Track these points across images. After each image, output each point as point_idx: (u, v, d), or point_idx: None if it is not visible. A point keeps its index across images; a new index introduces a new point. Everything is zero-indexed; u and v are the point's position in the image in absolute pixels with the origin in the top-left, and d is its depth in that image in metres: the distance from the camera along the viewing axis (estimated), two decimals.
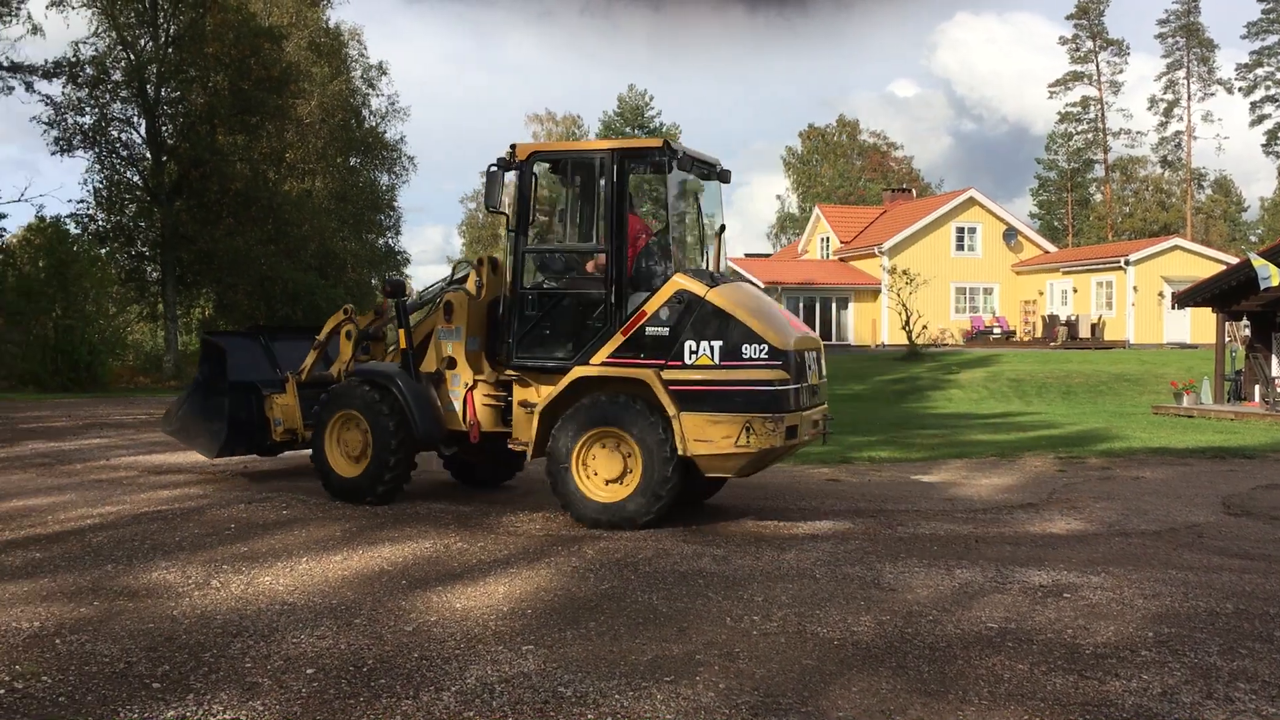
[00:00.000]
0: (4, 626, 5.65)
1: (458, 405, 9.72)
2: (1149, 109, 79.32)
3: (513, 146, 9.65)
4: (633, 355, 8.76)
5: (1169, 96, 77.55)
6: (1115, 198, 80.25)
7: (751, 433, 8.41)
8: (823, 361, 9.47)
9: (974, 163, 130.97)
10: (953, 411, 23.87)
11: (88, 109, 38.14)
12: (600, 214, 9.37)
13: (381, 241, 58.80)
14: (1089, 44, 79.25)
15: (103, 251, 38.18)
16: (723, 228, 9.64)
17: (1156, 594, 6.72)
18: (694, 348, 8.63)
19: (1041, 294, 47.14)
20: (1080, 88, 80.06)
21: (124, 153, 39.54)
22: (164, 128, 39.29)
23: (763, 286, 46.57)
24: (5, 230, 36.76)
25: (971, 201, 48.68)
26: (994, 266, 48.35)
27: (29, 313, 32.58)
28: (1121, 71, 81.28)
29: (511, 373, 9.41)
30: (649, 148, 9.35)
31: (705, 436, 8.49)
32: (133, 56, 38.30)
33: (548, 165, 9.87)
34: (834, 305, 48.53)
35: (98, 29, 38.25)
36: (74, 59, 37.06)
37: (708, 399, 8.54)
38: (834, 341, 47.76)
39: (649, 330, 8.75)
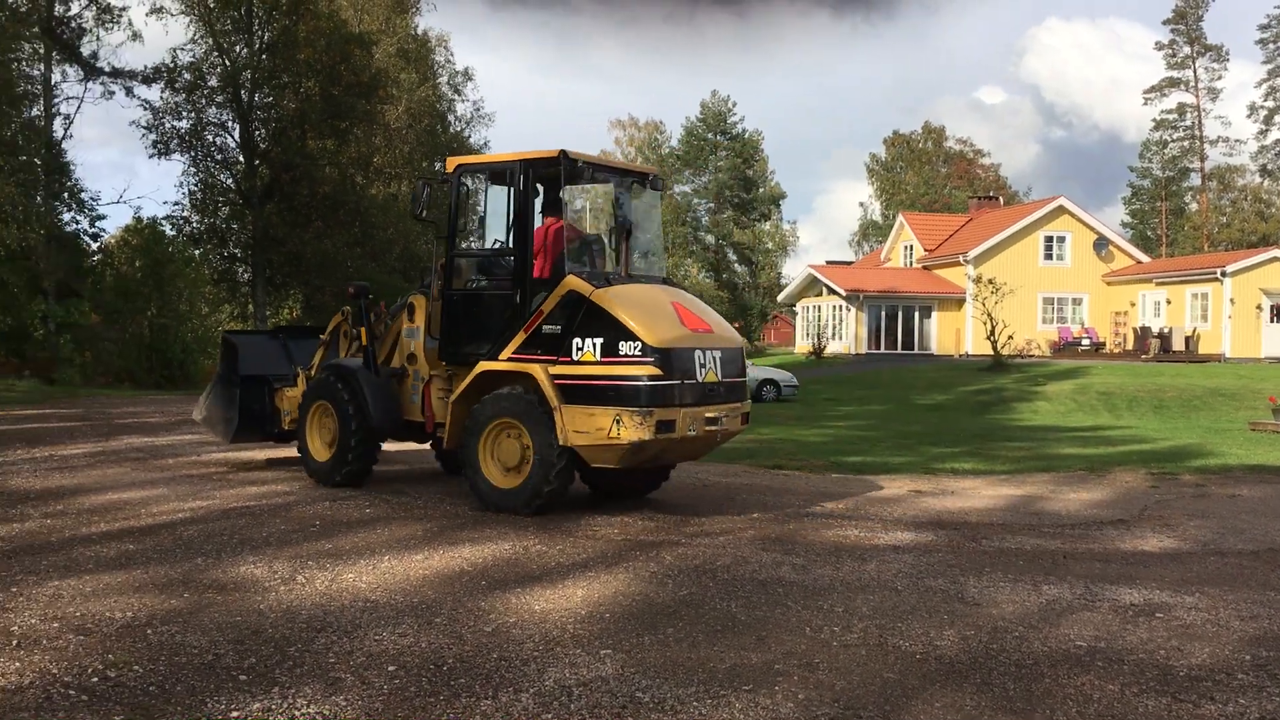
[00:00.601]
0: (98, 616, 5.80)
1: (417, 398, 10.48)
2: (1249, 116, 76.98)
3: (444, 161, 10.21)
4: (532, 351, 9.38)
5: (1270, 104, 75.23)
6: (1212, 207, 78.01)
7: (621, 425, 8.84)
8: (741, 361, 9.92)
9: (1063, 170, 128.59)
10: (1039, 424, 23.38)
11: (185, 114, 39.21)
12: (510, 220, 10.02)
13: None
14: (1186, 49, 77.27)
15: (196, 253, 39.23)
16: (628, 232, 10.33)
17: (1254, 615, 6.49)
18: (580, 344, 9.18)
19: (1133, 305, 46.00)
20: (1176, 94, 78.18)
21: (218, 156, 40.58)
22: (257, 132, 40.23)
23: (844, 293, 46.18)
24: (104, 231, 37.95)
25: (1061, 210, 47.70)
26: (1083, 276, 47.31)
27: (126, 311, 33.59)
28: (1220, 78, 79.16)
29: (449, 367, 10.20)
30: (547, 158, 9.82)
31: (583, 428, 8.99)
32: (228, 63, 39.30)
33: (475, 176, 10.59)
34: (916, 314, 47.88)
35: (195, 36, 39.32)
36: (172, 65, 38.13)
37: (587, 393, 9.04)
38: (916, 351, 47.17)
39: (545, 328, 9.36)
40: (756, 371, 31.35)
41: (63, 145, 35.64)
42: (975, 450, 16.24)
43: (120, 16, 35.80)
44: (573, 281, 9.32)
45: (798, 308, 55.46)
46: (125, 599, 6.17)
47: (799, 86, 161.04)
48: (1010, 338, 38.21)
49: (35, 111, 33.90)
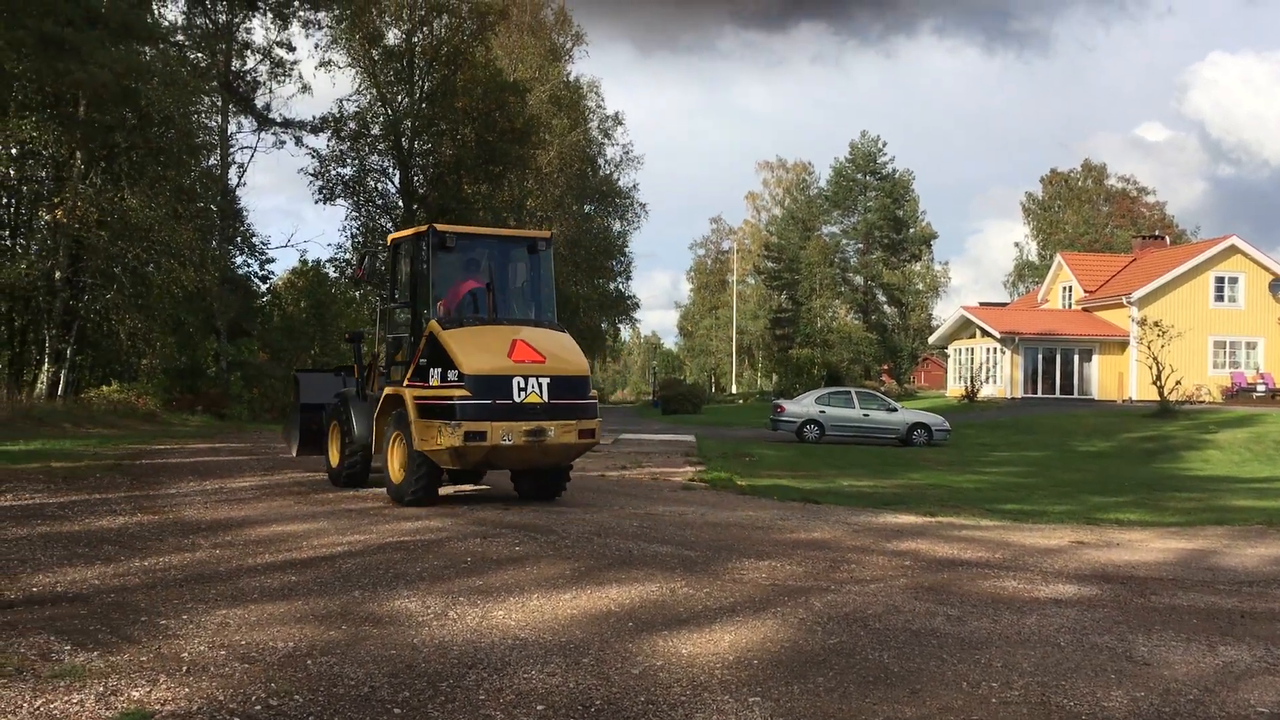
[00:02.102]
0: (262, 645, 6.01)
1: None
2: None
3: (387, 235, 13.62)
4: (414, 380, 11.93)
5: None
6: None
7: (440, 434, 11.29)
8: (579, 386, 11.94)
9: (1232, 209, 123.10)
10: (1211, 474, 22.21)
11: (349, 161, 40.91)
12: (409, 279, 12.97)
13: (612, 286, 60.13)
14: None
15: (357, 294, 40.77)
16: (489, 284, 12.72)
17: None
18: (434, 373, 11.66)
19: None
20: None
21: (379, 201, 42.18)
22: (415, 178, 41.66)
23: (998, 335, 44.88)
24: (273, 274, 39.81)
25: (1233, 249, 45.50)
26: (1258, 319, 44.91)
27: (290, 350, 35.05)
28: None
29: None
30: (422, 232, 12.56)
31: (425, 437, 11.51)
32: (390, 112, 40.89)
33: (401, 246, 13.34)
34: (1076, 357, 46.23)
35: (360, 86, 41.07)
36: (338, 115, 39.90)
37: (428, 410, 11.54)
38: (1076, 395, 45.50)
39: (421, 361, 11.89)
40: (906, 415, 30.71)
41: (236, 192, 37.65)
42: (1141, 500, 15.51)
43: (291, 70, 37.78)
44: (432, 325, 11.86)
45: (949, 350, 54.22)
46: (287, 629, 6.38)
47: (950, 125, 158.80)
48: (1178, 383, 36.52)
49: (212, 161, 35.91)
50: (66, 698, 4.99)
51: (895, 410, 30.83)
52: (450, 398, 11.30)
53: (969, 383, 46.88)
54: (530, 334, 12.04)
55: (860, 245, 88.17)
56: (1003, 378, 46.51)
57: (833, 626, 6.91)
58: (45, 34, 22.77)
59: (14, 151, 28.97)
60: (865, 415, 30.24)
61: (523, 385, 11.49)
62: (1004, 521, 12.65)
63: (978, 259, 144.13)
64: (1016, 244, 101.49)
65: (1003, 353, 46.39)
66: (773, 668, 5.93)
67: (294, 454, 15.36)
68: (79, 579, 7.63)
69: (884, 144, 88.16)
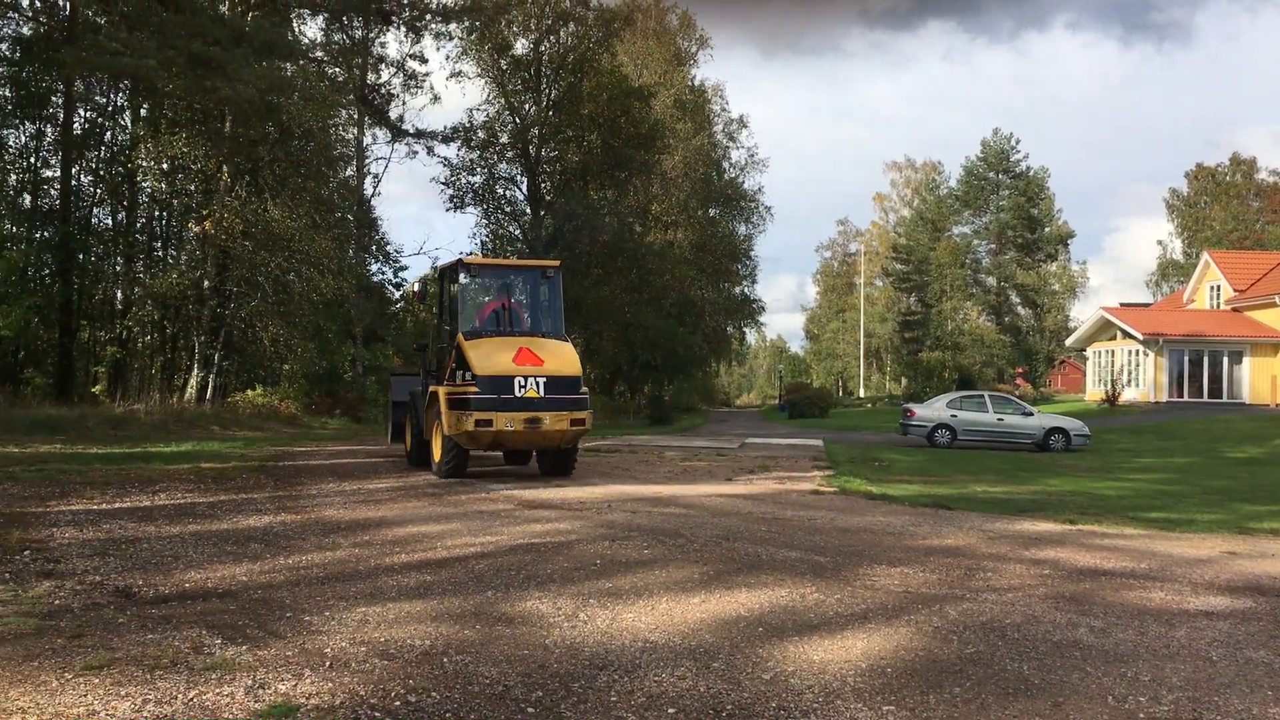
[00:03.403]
0: (400, 642, 6.16)
1: None
2: None
3: (434, 265, 20.53)
4: (449, 379, 15.02)
5: None
6: None
7: (460, 421, 14.41)
8: (570, 384, 14.83)
9: None
10: None
11: (478, 169, 41.70)
12: (447, 301, 16.57)
13: (738, 290, 59.96)
14: None
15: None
16: (504, 304, 15.93)
17: None
18: (460, 374, 14.72)
19: None
20: None
21: (507, 209, 42.87)
22: (543, 184, 42.23)
23: (1141, 337, 43.20)
24: (406, 281, 40.84)
25: None
26: None
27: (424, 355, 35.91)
28: None
29: None
30: (454, 264, 16.11)
31: (451, 424, 14.62)
32: (518, 120, 41.53)
33: (446, 274, 16.83)
34: (1225, 359, 44.24)
35: (489, 96, 41.83)
36: (468, 124, 40.70)
37: (454, 403, 14.57)
38: (1225, 399, 43.57)
39: (453, 365, 15.04)
40: (1043, 419, 29.78)
41: (371, 202, 38.75)
42: None
43: (423, 82, 38.72)
44: (460, 337, 14.97)
45: (1088, 353, 52.47)
46: (424, 627, 6.52)
47: (1086, 121, 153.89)
48: None
49: (349, 172, 37.05)
50: (218, 689, 5.20)
51: (1031, 414, 29.92)
52: (466, 393, 14.38)
53: (1109, 386, 45.30)
54: (535, 343, 15.14)
55: (992, 245, 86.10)
56: (1145, 381, 44.82)
57: (969, 635, 6.75)
58: (194, 53, 23.84)
59: (165, 167, 30.40)
60: (999, 419, 29.45)
61: (523, 384, 14.53)
62: (1149, 530, 12.17)
63: (1117, 258, 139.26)
64: (1159, 242, 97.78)
65: (1145, 355, 44.70)
66: (907, 676, 5.82)
67: (389, 443, 19.27)
68: (228, 575, 7.95)
69: (1017, 141, 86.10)
